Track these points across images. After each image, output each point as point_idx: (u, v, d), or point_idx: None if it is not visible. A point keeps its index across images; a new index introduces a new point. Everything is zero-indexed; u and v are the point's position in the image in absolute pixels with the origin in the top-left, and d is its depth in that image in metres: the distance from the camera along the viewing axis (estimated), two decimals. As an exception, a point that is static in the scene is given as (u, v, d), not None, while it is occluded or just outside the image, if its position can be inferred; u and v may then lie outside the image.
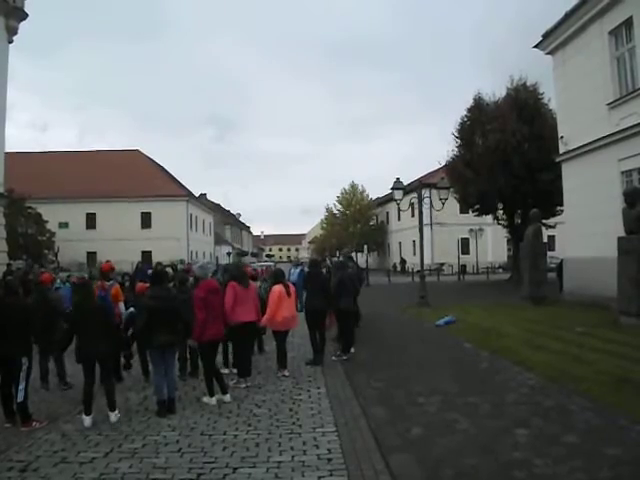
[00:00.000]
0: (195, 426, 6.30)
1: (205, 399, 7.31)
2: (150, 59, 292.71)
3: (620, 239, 12.17)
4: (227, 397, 7.33)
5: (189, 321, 7.30)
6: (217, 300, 7.54)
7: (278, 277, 9.32)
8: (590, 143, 16.98)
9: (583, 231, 17.18)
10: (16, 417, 6.48)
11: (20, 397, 6.45)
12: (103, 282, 9.10)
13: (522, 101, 28.36)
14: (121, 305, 8.95)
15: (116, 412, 6.58)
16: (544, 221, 26.48)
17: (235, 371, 8.69)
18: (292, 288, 9.25)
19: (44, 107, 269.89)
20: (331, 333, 10.84)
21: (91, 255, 45.00)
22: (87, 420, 6.40)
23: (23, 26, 22.32)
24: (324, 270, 12.80)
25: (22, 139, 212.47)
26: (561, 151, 19.40)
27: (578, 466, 4.60)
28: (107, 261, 12.84)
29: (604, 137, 16.13)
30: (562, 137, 19.28)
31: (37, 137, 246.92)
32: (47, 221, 41.43)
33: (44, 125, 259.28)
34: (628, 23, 15.28)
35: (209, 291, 7.44)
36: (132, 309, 8.66)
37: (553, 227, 29.81)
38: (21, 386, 6.47)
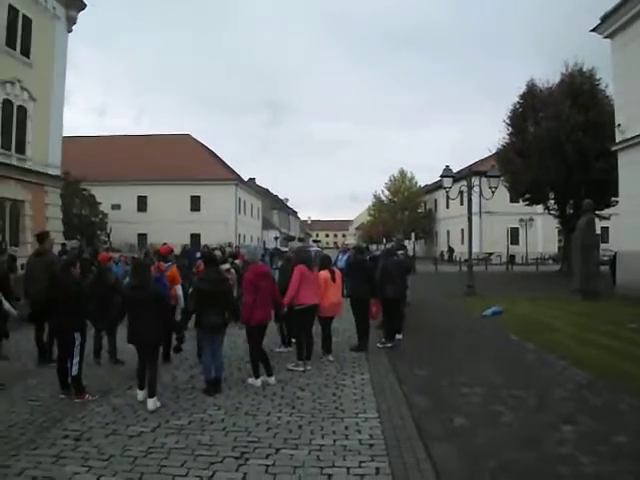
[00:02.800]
0: (240, 406, 6.42)
1: (250, 380, 7.43)
2: (207, 44, 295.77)
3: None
4: (272, 379, 7.44)
5: (237, 304, 7.45)
6: (266, 284, 7.60)
7: (324, 263, 9.37)
8: (649, 132, 16.39)
9: (638, 224, 16.63)
10: (71, 389, 6.74)
11: (74, 371, 6.71)
12: (160, 264, 9.26)
13: (577, 87, 27.56)
14: (178, 287, 9.03)
15: (155, 399, 6.41)
16: (597, 212, 25.76)
17: (290, 349, 8.90)
18: (338, 274, 9.28)
19: (104, 92, 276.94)
20: (376, 321, 10.83)
21: (142, 237, 46.12)
22: (140, 394, 6.61)
23: (82, 15, 23.08)
24: (368, 257, 12.77)
25: (82, 123, 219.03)
26: (617, 139, 18.79)
27: (627, 468, 4.48)
28: (164, 243, 12.96)
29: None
30: (619, 125, 18.67)
31: (96, 121, 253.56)
32: (100, 203, 42.55)
33: (103, 110, 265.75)
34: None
35: (258, 275, 7.53)
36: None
37: (607, 218, 28.99)
38: (75, 360, 6.72)
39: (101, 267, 9.05)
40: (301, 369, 8.16)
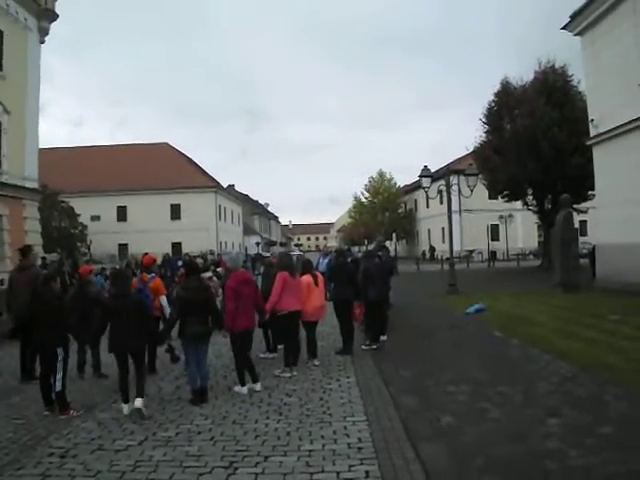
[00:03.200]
0: (227, 415, 6.39)
1: (236, 388, 7.40)
2: (182, 53, 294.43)
3: (654, 224, 11.93)
4: (258, 386, 7.42)
5: (219, 312, 7.43)
6: (248, 291, 7.58)
7: (306, 267, 9.36)
8: (622, 125, 16.64)
9: (615, 216, 16.88)
10: (55, 405, 6.65)
11: (58, 387, 6.62)
12: (144, 275, 9.18)
13: (551, 84, 27.91)
14: (163, 298, 8.94)
15: (142, 400, 6.47)
16: (575, 206, 26.14)
17: (275, 355, 8.97)
18: (320, 278, 9.28)
19: (80, 103, 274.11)
20: (359, 323, 10.85)
21: (122, 247, 45.81)
22: (125, 408, 6.55)
23: (57, 26, 22.88)
24: (350, 260, 12.81)
25: (59, 135, 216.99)
26: (592, 134, 19.06)
27: (613, 458, 4.53)
28: (146, 254, 12.81)
29: (637, 119, 15.77)
30: (592, 120, 18.93)
31: (73, 132, 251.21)
32: (79, 215, 42.17)
33: (79, 121, 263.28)
34: (661, 0, 14.90)
35: (240, 282, 7.51)
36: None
37: (585, 212, 29.36)
38: (58, 376, 6.64)
39: (82, 280, 8.96)
40: (288, 375, 8.14)
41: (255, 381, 7.47)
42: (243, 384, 7.37)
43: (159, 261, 20.74)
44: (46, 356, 6.79)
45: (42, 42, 22.60)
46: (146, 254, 12.29)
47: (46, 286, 7.11)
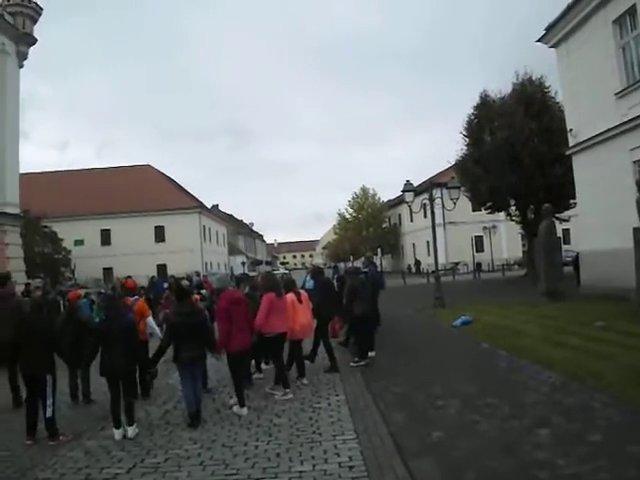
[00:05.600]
0: (216, 438, 6.32)
1: (235, 409, 7.32)
2: (165, 74, 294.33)
3: (636, 230, 12.06)
4: (244, 410, 7.30)
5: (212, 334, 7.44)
6: (241, 311, 7.49)
7: (289, 286, 9.30)
8: (600, 134, 16.91)
9: (597, 223, 17.07)
10: (37, 435, 6.56)
11: (49, 412, 6.56)
12: (127, 298, 9.11)
13: (529, 96, 28.24)
14: (149, 320, 8.87)
15: (134, 427, 6.61)
16: (558, 215, 26.40)
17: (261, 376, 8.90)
18: (304, 295, 9.22)
19: (64, 127, 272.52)
20: (338, 338, 10.87)
21: (107, 271, 45.31)
22: (117, 434, 6.50)
23: (36, 51, 22.84)
24: (334, 277, 12.86)
25: (43, 159, 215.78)
26: (571, 144, 19.31)
27: (603, 466, 4.53)
28: (128, 277, 12.74)
29: (614, 127, 16.06)
30: (571, 130, 19.20)
31: (57, 156, 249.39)
32: (62, 239, 41.77)
33: (64, 144, 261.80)
34: (632, 11, 15.25)
35: (231, 302, 7.44)
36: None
37: (567, 220, 29.64)
38: (49, 402, 6.59)
39: (72, 305, 8.88)
40: (280, 394, 8.07)
41: (242, 405, 7.36)
42: (242, 405, 7.30)
43: (145, 284, 20.68)
44: (34, 383, 6.71)
45: (21, 67, 22.56)
46: (129, 277, 12.22)
47: (36, 313, 7.04)
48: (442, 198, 20.76)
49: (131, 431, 6.56)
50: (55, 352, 6.97)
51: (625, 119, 15.45)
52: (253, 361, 9.61)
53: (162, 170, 60.54)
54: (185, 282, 14.47)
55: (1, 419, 7.77)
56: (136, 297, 9.27)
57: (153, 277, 24.78)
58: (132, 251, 47.20)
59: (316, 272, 10.99)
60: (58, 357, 7.09)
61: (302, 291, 9.54)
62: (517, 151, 26.78)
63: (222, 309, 7.41)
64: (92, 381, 8.55)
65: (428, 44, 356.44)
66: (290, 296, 8.84)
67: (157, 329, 8.79)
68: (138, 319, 8.57)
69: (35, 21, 22.96)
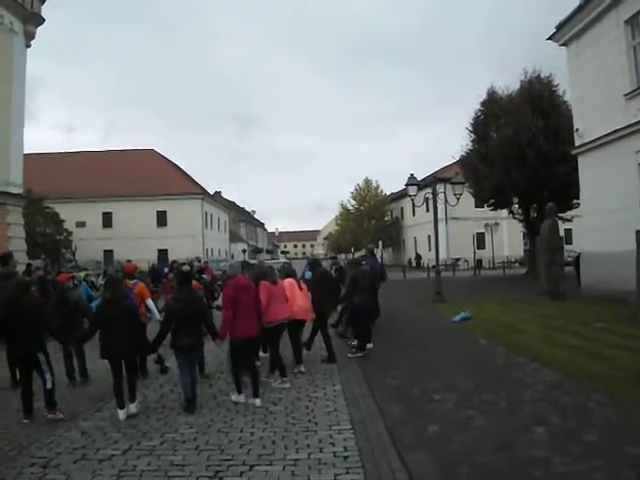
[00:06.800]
0: (212, 424, 6.34)
1: (234, 397, 7.31)
2: (173, 59, 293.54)
3: (638, 232, 12.01)
4: (258, 401, 7.20)
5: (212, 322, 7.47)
6: (248, 297, 7.41)
7: (288, 272, 9.30)
8: (606, 135, 16.83)
9: (600, 224, 17.02)
10: (34, 415, 6.60)
11: (49, 384, 6.69)
12: (127, 281, 9.11)
13: (536, 94, 28.06)
14: (149, 301, 8.92)
15: (136, 403, 6.81)
16: (561, 214, 26.28)
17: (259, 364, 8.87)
18: (303, 285, 9.19)
19: (70, 109, 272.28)
20: (338, 329, 10.88)
21: (108, 253, 45.39)
22: (121, 414, 6.59)
23: (46, 32, 22.82)
24: (332, 268, 12.85)
25: (50, 140, 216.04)
26: (577, 144, 19.24)
27: (598, 465, 4.54)
28: (128, 261, 12.72)
29: (621, 129, 15.98)
30: (577, 129, 19.11)
31: (63, 138, 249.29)
32: (64, 220, 41.78)
33: (71, 126, 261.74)
34: (644, 11, 15.09)
35: (238, 289, 7.37)
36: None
37: (570, 220, 29.54)
38: (47, 375, 6.70)
39: (63, 287, 8.90)
40: (277, 381, 8.07)
41: (256, 395, 7.25)
42: (240, 392, 7.30)
43: (146, 268, 20.72)
44: (28, 365, 6.76)
45: (28, 46, 22.48)
46: (129, 261, 12.22)
47: (23, 294, 7.03)
48: (445, 193, 20.71)
49: (133, 407, 6.73)
50: (46, 332, 7.05)
51: (634, 120, 15.36)
52: None
53: (166, 155, 60.50)
54: (186, 267, 14.45)
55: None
56: (136, 280, 9.29)
57: (154, 264, 24.92)
58: (133, 235, 47.22)
59: (314, 263, 10.95)
60: (50, 337, 7.15)
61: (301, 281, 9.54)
62: (522, 149, 26.65)
63: (228, 296, 7.36)
64: (89, 364, 8.64)
65: (434, 40, 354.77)
66: (290, 280, 8.84)
67: (156, 311, 8.83)
68: (139, 301, 8.61)
69: (43, 1, 22.86)
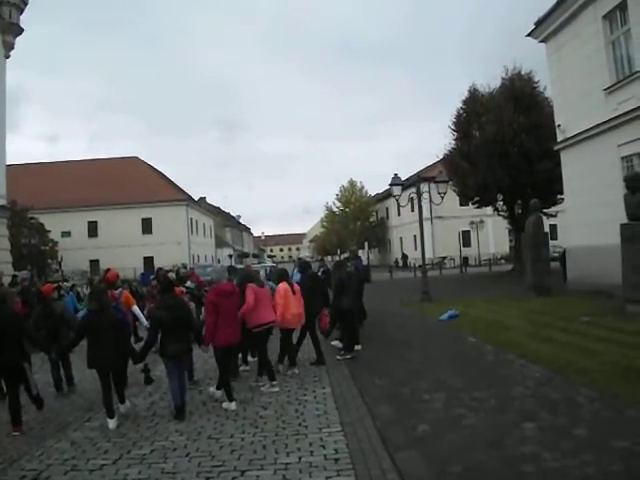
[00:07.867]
0: (202, 430, 6.31)
1: (225, 404, 7.24)
2: (155, 65, 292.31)
3: (623, 226, 12.09)
4: (233, 405, 7.23)
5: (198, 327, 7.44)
6: (230, 303, 7.35)
7: (282, 276, 9.28)
8: (588, 130, 16.97)
9: (584, 219, 17.15)
10: (22, 427, 6.55)
11: (34, 391, 6.95)
12: (112, 291, 9.03)
13: (518, 91, 28.28)
14: (135, 308, 8.91)
15: (126, 403, 6.97)
16: (545, 210, 26.51)
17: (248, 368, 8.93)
18: (296, 287, 9.19)
19: (55, 118, 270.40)
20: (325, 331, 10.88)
21: (94, 263, 45.08)
22: (111, 423, 6.55)
23: (22, 41, 22.63)
24: (319, 270, 12.85)
25: (34, 151, 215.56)
26: (559, 139, 19.38)
27: (588, 459, 4.55)
28: (108, 269, 12.54)
29: (602, 123, 16.11)
30: (559, 125, 19.26)
31: (47, 148, 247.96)
32: (49, 231, 41.54)
33: (54, 136, 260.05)
34: (622, 6, 15.25)
35: (220, 294, 7.34)
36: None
37: (554, 216, 29.77)
38: (32, 382, 6.91)
39: (46, 298, 8.82)
40: (267, 385, 8.04)
41: (230, 400, 7.28)
42: (231, 399, 7.24)
43: (131, 276, 20.59)
44: (12, 376, 6.73)
45: (7, 57, 22.30)
46: (108, 270, 12.00)
47: (2, 305, 6.98)
48: (430, 192, 20.80)
49: (123, 408, 6.90)
50: (30, 343, 7.06)
51: (614, 115, 15.50)
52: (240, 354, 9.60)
53: (150, 163, 60.28)
54: (171, 275, 14.39)
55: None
56: (120, 289, 9.26)
57: (141, 274, 24.91)
58: (119, 243, 47.09)
59: (304, 266, 10.94)
60: (36, 348, 7.16)
61: (295, 284, 9.51)
62: (505, 146, 26.87)
63: (209, 301, 7.36)
64: (77, 373, 8.57)
65: (415, 40, 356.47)
66: (283, 285, 8.84)
67: (143, 318, 8.82)
68: (126, 309, 8.59)
69: (21, 11, 22.70)
